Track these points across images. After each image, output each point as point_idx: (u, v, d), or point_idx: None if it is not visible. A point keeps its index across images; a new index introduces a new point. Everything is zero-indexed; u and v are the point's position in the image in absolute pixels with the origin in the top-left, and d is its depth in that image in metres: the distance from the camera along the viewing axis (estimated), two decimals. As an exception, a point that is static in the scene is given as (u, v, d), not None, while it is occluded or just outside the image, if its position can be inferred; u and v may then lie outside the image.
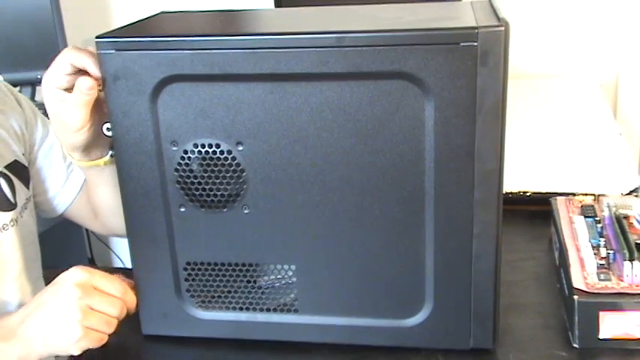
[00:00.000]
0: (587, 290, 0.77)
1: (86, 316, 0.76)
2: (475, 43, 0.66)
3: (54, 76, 0.80)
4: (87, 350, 0.81)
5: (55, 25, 1.77)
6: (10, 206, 0.93)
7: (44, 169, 1.02)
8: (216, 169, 0.75)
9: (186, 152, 0.75)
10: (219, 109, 0.73)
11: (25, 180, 0.97)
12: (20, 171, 0.97)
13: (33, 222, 0.99)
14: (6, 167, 0.94)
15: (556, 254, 0.92)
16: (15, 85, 1.84)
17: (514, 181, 1.11)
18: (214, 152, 0.74)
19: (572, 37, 1.82)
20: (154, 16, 0.85)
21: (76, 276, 0.78)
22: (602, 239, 0.85)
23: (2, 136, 0.96)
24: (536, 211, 1.06)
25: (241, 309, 0.81)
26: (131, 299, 0.81)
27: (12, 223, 0.93)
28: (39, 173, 1.01)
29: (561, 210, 0.95)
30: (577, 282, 0.78)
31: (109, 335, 0.79)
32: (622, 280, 0.78)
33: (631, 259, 0.78)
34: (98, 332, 0.77)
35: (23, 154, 0.98)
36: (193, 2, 1.87)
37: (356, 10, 0.82)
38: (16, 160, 0.96)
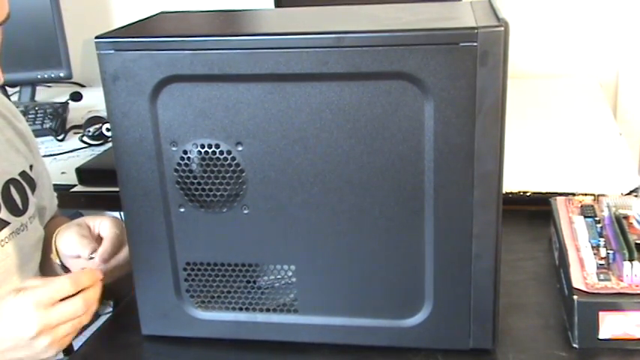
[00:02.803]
0: (587, 290, 0.77)
1: (53, 336, 0.76)
2: (475, 44, 0.66)
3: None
4: (87, 350, 0.81)
5: (55, 25, 1.77)
6: (19, 212, 0.94)
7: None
8: (215, 169, 0.75)
9: (185, 152, 0.75)
10: (219, 110, 0.73)
11: (33, 189, 1.00)
12: (30, 180, 0.99)
13: (42, 231, 1.00)
14: (20, 174, 0.97)
15: (556, 254, 0.92)
16: (15, 85, 1.85)
17: (514, 181, 1.11)
18: (214, 152, 0.74)
19: (572, 36, 1.82)
20: (153, 16, 0.85)
21: (27, 302, 0.75)
22: (602, 239, 0.85)
23: (17, 146, 1.00)
24: (536, 211, 1.06)
25: (241, 309, 0.81)
26: (87, 278, 0.79)
27: (22, 228, 0.94)
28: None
29: (561, 210, 0.95)
30: (577, 282, 0.78)
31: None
32: (622, 280, 0.78)
33: (631, 259, 0.78)
34: (67, 337, 0.77)
35: (30, 167, 1.01)
36: (193, 2, 1.86)
37: (356, 10, 0.82)
38: (24, 171, 0.99)
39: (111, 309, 2.12)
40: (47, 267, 1.00)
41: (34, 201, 0.99)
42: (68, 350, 1.21)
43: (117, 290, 1.19)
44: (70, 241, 0.93)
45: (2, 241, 0.91)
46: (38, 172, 1.04)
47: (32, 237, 0.96)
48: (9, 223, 0.92)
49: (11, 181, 0.95)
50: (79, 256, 0.92)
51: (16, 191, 0.95)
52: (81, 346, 0.86)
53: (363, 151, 0.72)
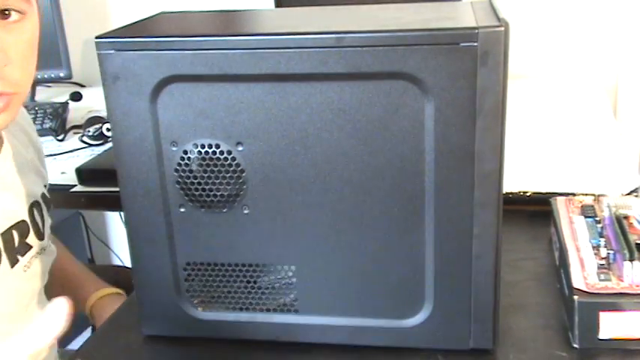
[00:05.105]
0: (587, 290, 0.77)
1: None
2: (475, 44, 0.66)
3: None
4: (87, 350, 0.81)
5: (55, 25, 1.77)
6: (40, 236, 0.94)
7: None
8: (216, 169, 0.75)
9: (186, 152, 0.75)
10: (219, 110, 0.73)
11: (49, 209, 0.99)
12: (49, 202, 0.99)
13: (55, 250, 1.00)
14: (41, 196, 0.97)
15: (556, 254, 0.92)
16: (15, 85, 1.84)
17: (514, 181, 1.11)
18: (214, 152, 0.74)
19: (572, 37, 1.82)
20: (153, 16, 0.85)
21: None
22: (602, 239, 0.85)
23: (37, 165, 0.99)
24: (536, 211, 1.06)
25: (241, 309, 0.81)
26: None
27: (41, 251, 0.94)
28: None
29: (561, 210, 0.95)
30: (577, 282, 0.78)
31: None
32: (622, 281, 0.78)
33: (631, 259, 0.78)
34: None
35: (45, 186, 1.00)
36: (193, 2, 1.87)
37: (356, 10, 0.82)
38: (44, 193, 0.98)
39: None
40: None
41: (49, 222, 0.98)
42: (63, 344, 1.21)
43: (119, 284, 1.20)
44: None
45: (25, 266, 0.90)
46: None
47: (49, 259, 0.96)
48: (32, 247, 0.91)
49: (34, 204, 0.94)
50: None
51: (38, 214, 0.94)
52: (81, 346, 0.86)
53: (363, 151, 0.72)
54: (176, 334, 0.83)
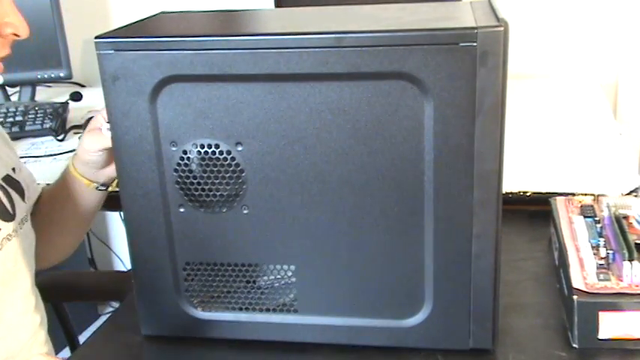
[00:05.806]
0: (587, 290, 0.77)
1: None
2: (474, 44, 0.66)
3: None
4: (87, 350, 0.81)
5: (55, 25, 1.77)
6: (9, 217, 0.93)
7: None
8: (215, 169, 0.75)
9: (185, 152, 0.75)
10: (219, 110, 0.73)
11: (21, 193, 0.98)
12: (15, 184, 0.98)
13: (33, 235, 0.99)
14: (4, 179, 0.95)
15: (555, 254, 0.92)
16: (15, 85, 1.85)
17: (514, 181, 1.11)
18: (214, 152, 0.74)
19: (572, 36, 1.82)
20: (153, 16, 0.85)
21: None
22: (602, 239, 0.85)
23: None
24: (536, 211, 1.06)
25: (241, 309, 0.81)
26: None
27: (14, 233, 0.93)
28: None
29: (561, 210, 0.95)
30: (576, 282, 0.78)
31: None
32: (621, 280, 0.78)
33: (630, 259, 0.78)
34: None
35: (13, 169, 0.99)
36: (193, 2, 1.87)
37: (356, 10, 0.82)
38: (8, 175, 0.97)
39: (111, 309, 2.13)
40: (79, 204, 1.03)
41: (23, 206, 0.97)
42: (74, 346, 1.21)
43: (121, 291, 1.20)
44: (91, 140, 0.97)
45: None
46: (24, 174, 1.02)
47: (23, 242, 0.95)
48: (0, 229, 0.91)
49: None
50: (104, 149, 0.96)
51: (4, 195, 0.93)
52: (81, 345, 0.86)
53: (363, 151, 0.72)
54: (176, 334, 0.83)
